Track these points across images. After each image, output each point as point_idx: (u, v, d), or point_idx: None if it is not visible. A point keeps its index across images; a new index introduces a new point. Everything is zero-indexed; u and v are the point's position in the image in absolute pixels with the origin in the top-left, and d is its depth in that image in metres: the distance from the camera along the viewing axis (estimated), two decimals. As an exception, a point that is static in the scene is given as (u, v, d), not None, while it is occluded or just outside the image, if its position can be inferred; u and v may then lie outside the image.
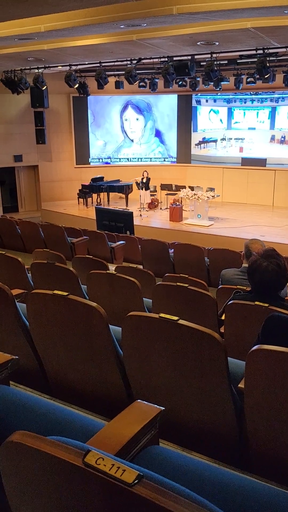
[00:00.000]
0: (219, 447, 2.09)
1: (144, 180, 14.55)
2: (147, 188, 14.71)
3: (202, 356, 1.98)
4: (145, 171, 14.82)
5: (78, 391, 2.46)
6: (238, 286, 3.53)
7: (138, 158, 17.63)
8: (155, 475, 0.92)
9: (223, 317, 3.11)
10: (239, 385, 2.01)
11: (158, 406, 1.50)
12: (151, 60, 11.11)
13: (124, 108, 17.65)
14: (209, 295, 3.45)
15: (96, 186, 15.64)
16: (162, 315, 2.01)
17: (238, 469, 1.80)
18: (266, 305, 2.70)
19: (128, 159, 17.63)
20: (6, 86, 13.31)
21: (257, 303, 2.74)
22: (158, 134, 17.91)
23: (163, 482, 0.89)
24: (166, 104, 17.34)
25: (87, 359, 2.35)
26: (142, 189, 14.64)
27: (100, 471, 0.86)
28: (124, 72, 11.23)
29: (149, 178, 14.65)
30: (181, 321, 1.98)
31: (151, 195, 15.47)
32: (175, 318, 1.98)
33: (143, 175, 14.64)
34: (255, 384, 1.85)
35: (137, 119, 17.80)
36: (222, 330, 3.12)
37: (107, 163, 17.51)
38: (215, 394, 2.00)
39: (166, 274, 4.86)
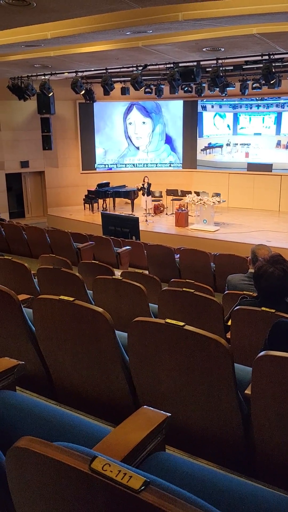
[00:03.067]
0: (225, 453, 2.08)
1: (145, 186, 14.56)
2: (148, 194, 14.72)
3: (208, 362, 1.97)
4: (146, 176, 14.79)
5: (84, 397, 2.46)
6: (244, 292, 3.52)
7: (144, 164, 17.55)
8: (162, 481, 0.91)
9: (229, 323, 3.11)
10: (245, 391, 2.00)
11: (164, 412, 1.49)
12: (157, 66, 11.16)
13: (128, 109, 17.05)
14: (215, 301, 3.44)
15: (102, 192, 15.69)
16: (168, 320, 2.01)
17: (245, 475, 1.78)
18: (273, 310, 2.70)
19: (134, 164, 17.56)
20: (13, 92, 13.41)
21: (263, 308, 2.74)
22: (168, 140, 17.27)
23: (170, 489, 0.89)
24: (174, 107, 17.01)
25: (93, 364, 2.35)
26: (143, 195, 14.67)
27: (107, 477, 0.86)
28: (130, 78, 11.28)
29: (150, 184, 14.65)
30: (187, 327, 1.97)
31: (157, 201, 15.48)
32: (181, 323, 1.98)
33: (143, 181, 14.65)
34: (262, 390, 1.85)
35: (144, 123, 17.17)
36: (228, 336, 3.11)
37: (111, 168, 17.48)
38: (221, 400, 2.00)
39: (172, 280, 4.86)
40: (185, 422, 2.13)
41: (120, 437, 1.37)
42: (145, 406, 1.57)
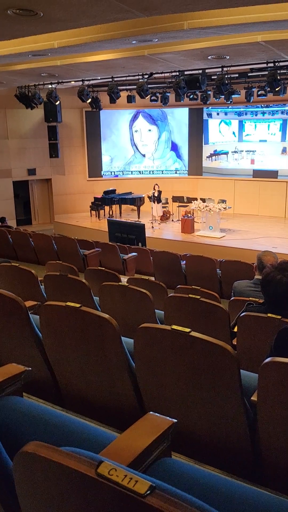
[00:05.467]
0: (231, 460, 2.07)
1: (156, 194, 14.60)
2: (159, 201, 14.75)
3: (214, 369, 1.97)
4: (156, 184, 14.83)
5: (90, 403, 2.46)
6: (250, 298, 3.52)
7: (150, 171, 17.62)
8: (168, 486, 0.92)
9: (235, 329, 3.10)
10: (252, 398, 2.00)
11: (170, 419, 1.50)
12: (163, 75, 11.23)
13: (134, 117, 17.17)
14: (221, 307, 3.44)
15: (108, 199, 15.75)
16: (174, 327, 2.01)
17: (251, 481, 1.78)
18: (279, 317, 2.70)
19: (140, 171, 17.63)
20: (20, 101, 13.54)
21: (269, 315, 2.74)
22: (174, 147, 17.34)
23: (176, 493, 0.90)
24: (180, 115, 17.11)
25: (99, 370, 2.36)
26: (154, 202, 14.69)
27: (113, 481, 0.86)
28: (136, 86, 11.36)
29: (160, 191, 14.69)
30: (193, 333, 1.98)
31: (163, 207, 15.51)
32: (187, 330, 1.99)
33: (154, 189, 14.68)
34: (268, 396, 1.84)
35: (150, 130, 17.28)
36: (234, 342, 3.11)
37: (118, 176, 17.56)
38: (227, 407, 1.99)
39: (178, 286, 4.86)
40: (191, 428, 2.13)
41: (126, 443, 1.38)
42: (151, 412, 1.57)
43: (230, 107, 15.85)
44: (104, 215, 15.95)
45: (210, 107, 16.38)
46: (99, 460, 0.92)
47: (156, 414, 1.55)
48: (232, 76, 11.24)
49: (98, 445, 1.41)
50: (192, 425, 2.12)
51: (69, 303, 2.30)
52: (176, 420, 1.49)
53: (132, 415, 2.26)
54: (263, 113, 15.73)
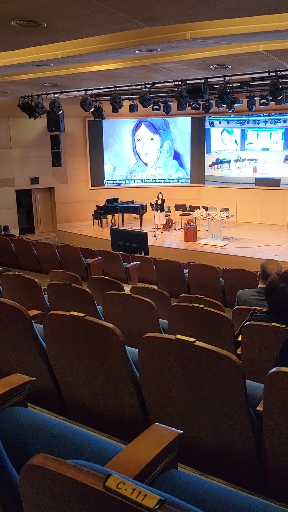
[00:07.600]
0: (237, 471, 2.05)
1: (159, 202, 14.62)
2: (162, 209, 14.77)
3: (219, 378, 1.96)
4: (160, 192, 14.86)
5: (94, 413, 2.45)
6: (254, 307, 3.51)
7: (152, 180, 17.67)
8: (176, 500, 0.91)
9: (239, 338, 3.09)
10: (257, 408, 1.98)
11: (176, 430, 1.48)
12: (165, 84, 11.29)
13: (137, 126, 17.25)
14: (226, 316, 3.43)
15: (110, 207, 15.79)
16: (179, 336, 2.00)
17: (257, 493, 1.76)
18: (283, 326, 2.68)
19: (142, 180, 17.68)
20: (23, 110, 13.63)
21: (274, 324, 2.72)
22: (176, 156, 17.42)
23: (184, 507, 0.89)
24: (182, 124, 17.18)
25: (104, 381, 2.35)
26: (157, 211, 14.71)
27: (122, 495, 0.85)
28: (138, 95, 11.43)
29: (164, 200, 14.71)
30: (198, 343, 1.97)
31: (165, 216, 15.53)
32: (192, 339, 1.98)
33: (157, 197, 14.71)
34: (273, 406, 1.83)
35: (152, 139, 17.37)
36: (238, 351, 3.09)
37: (120, 184, 17.61)
38: (233, 417, 1.98)
39: (181, 295, 4.85)
40: (196, 439, 2.11)
41: (132, 454, 1.36)
42: (156, 423, 1.56)
43: (232, 115, 15.93)
44: (107, 223, 15.98)
45: (212, 116, 16.45)
46: (107, 473, 0.92)
47: (162, 425, 1.54)
48: (234, 85, 11.29)
49: (104, 456, 1.40)
50: (198, 435, 2.11)
51: (73, 313, 2.29)
52: (182, 431, 1.48)
53: (137, 425, 2.24)
54: (265, 121, 15.79)
